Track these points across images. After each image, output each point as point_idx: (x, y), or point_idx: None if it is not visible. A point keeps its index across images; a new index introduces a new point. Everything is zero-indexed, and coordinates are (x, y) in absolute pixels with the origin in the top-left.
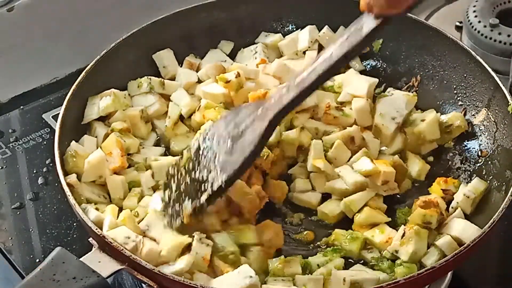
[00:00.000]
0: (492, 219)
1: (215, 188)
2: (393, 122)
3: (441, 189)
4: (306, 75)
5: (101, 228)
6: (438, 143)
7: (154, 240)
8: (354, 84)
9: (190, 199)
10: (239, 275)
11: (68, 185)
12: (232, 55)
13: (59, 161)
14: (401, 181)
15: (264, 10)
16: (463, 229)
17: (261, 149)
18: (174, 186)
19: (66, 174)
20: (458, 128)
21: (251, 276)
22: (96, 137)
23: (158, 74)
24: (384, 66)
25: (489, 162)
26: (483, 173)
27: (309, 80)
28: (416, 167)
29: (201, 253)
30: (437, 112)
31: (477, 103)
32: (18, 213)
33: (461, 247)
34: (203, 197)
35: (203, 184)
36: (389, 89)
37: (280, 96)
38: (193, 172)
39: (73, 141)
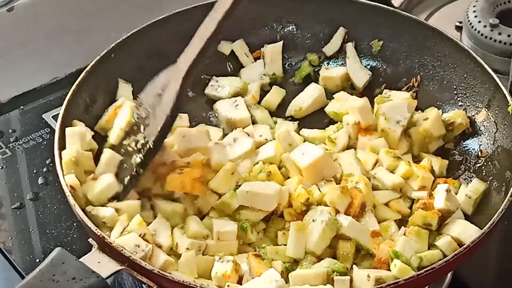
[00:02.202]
0: (492, 220)
1: (144, 152)
2: (398, 125)
3: None
4: (205, 26)
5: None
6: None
7: (160, 246)
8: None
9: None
10: (265, 280)
11: (68, 185)
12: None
13: (59, 161)
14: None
15: (264, 10)
16: (463, 230)
17: (179, 108)
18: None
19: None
20: (460, 126)
21: (276, 280)
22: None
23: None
24: (384, 66)
25: (489, 163)
26: (483, 173)
27: (211, 29)
28: (436, 165)
29: (221, 271)
30: None
31: (477, 103)
32: (18, 213)
33: (461, 248)
34: (137, 161)
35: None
36: (385, 91)
37: (188, 53)
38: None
39: (74, 147)
